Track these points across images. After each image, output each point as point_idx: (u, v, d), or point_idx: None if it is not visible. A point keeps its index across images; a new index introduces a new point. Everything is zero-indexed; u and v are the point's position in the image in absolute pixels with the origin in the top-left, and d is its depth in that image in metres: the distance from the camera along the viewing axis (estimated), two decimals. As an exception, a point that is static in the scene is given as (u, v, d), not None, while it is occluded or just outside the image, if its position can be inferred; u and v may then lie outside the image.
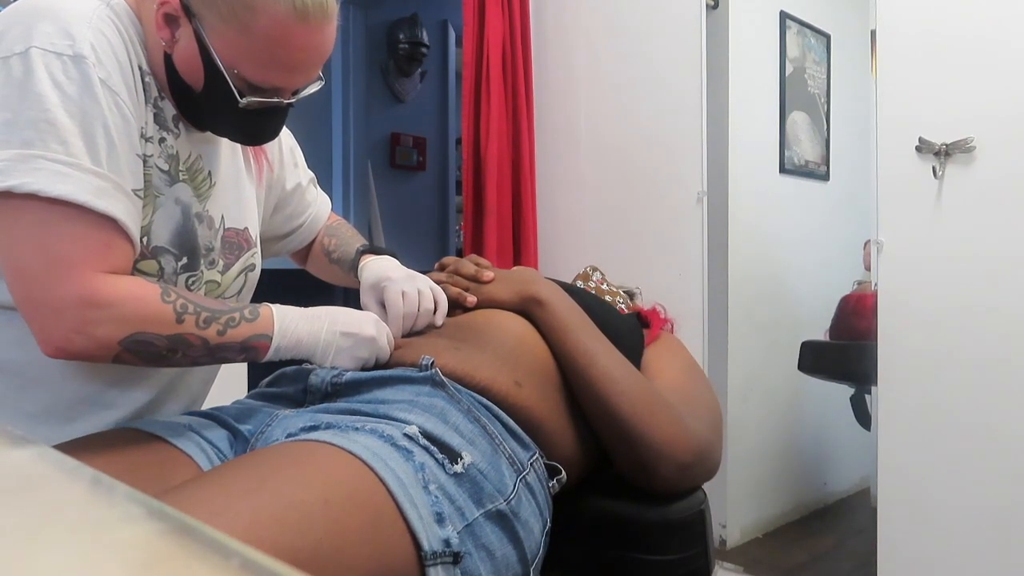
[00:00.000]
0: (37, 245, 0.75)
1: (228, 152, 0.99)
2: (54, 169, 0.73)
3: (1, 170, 0.72)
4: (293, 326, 0.87)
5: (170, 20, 0.82)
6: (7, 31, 0.77)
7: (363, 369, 0.91)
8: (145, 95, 0.84)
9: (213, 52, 0.81)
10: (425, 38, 3.94)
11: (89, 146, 0.76)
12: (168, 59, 0.84)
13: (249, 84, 0.84)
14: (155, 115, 0.86)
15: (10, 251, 0.76)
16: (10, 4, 0.81)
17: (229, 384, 1.56)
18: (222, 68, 0.82)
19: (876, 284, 1.86)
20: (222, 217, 0.96)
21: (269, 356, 0.86)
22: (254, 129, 0.92)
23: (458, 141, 3.82)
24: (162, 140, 0.87)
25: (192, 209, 0.90)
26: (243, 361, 0.87)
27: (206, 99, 0.85)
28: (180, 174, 0.89)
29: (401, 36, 3.89)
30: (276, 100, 0.87)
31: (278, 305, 0.88)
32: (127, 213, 0.79)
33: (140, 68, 0.84)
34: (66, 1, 0.79)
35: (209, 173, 0.94)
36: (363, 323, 0.91)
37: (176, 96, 0.88)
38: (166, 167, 0.87)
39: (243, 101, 0.84)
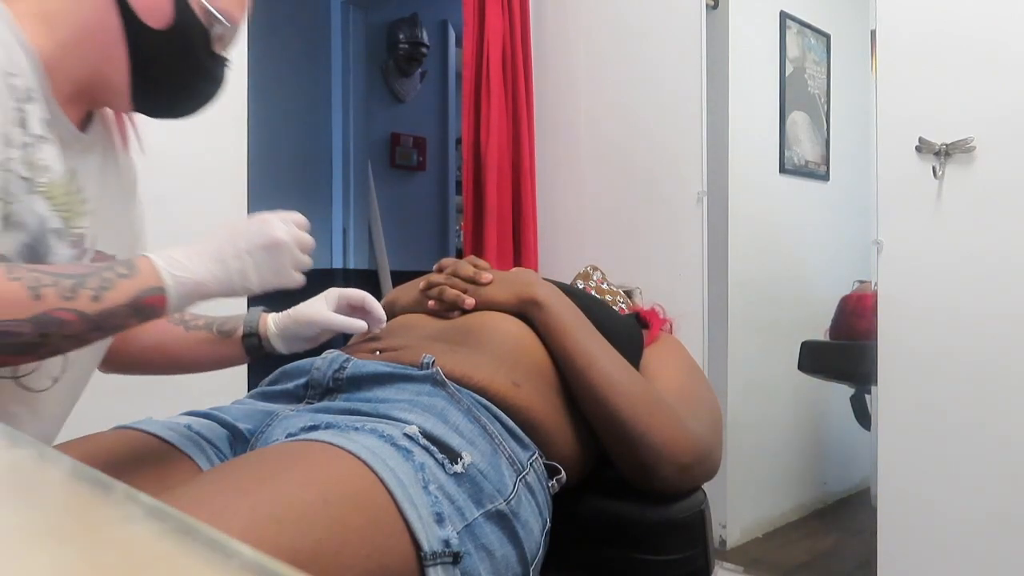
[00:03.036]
0: None
1: (111, 172, 0.91)
2: None
3: None
4: (185, 268, 0.74)
5: None
6: None
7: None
8: (11, 97, 0.75)
9: None
10: (425, 38, 3.94)
11: None
12: (123, 5, 0.80)
13: (208, 28, 0.84)
14: (20, 119, 0.76)
15: None
16: None
17: (229, 384, 1.57)
18: None
19: (876, 284, 1.86)
20: (93, 238, 0.84)
21: (171, 308, 0.74)
22: (203, 83, 0.88)
23: (458, 141, 3.82)
24: (26, 145, 0.76)
25: (48, 224, 0.78)
26: (140, 323, 0.74)
27: (172, 36, 0.81)
28: (40, 185, 0.78)
29: (401, 36, 3.89)
30: (232, 28, 0.86)
31: (156, 251, 0.76)
32: None
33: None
34: None
35: (79, 189, 0.83)
36: (267, 229, 0.79)
37: (131, 44, 0.81)
38: (27, 174, 0.76)
39: (215, 29, 0.83)
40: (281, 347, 1.02)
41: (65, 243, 0.80)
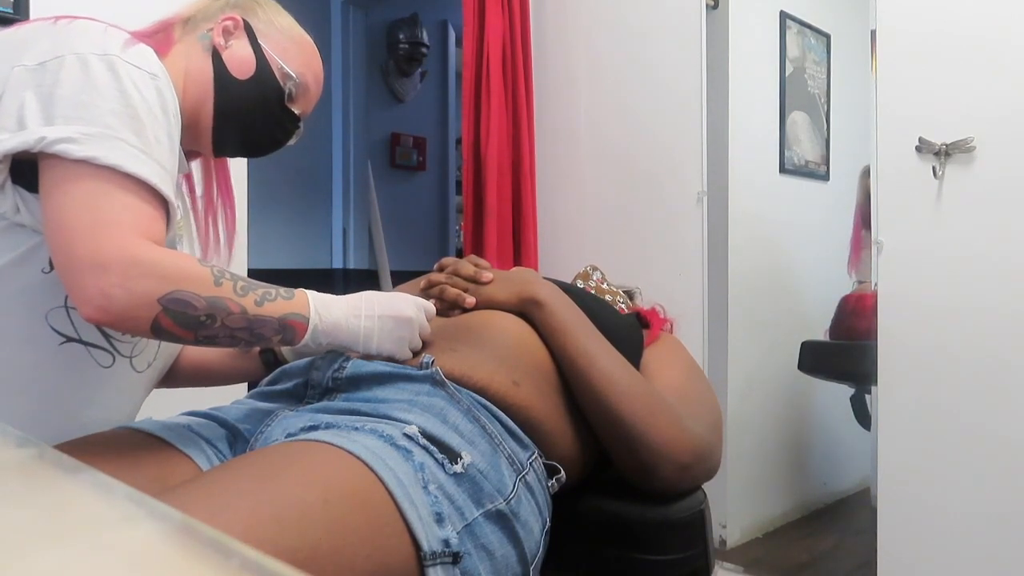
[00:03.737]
0: (91, 209, 0.76)
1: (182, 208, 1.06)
2: (132, 152, 0.78)
3: (80, 140, 0.76)
4: (328, 309, 0.85)
5: (227, 31, 0.98)
6: (79, 37, 0.81)
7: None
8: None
9: (265, 47, 0.99)
10: (425, 38, 3.94)
11: (158, 145, 0.82)
12: (217, 59, 0.96)
13: (283, 84, 0.99)
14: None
15: (64, 212, 0.76)
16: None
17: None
18: (273, 55, 0.99)
19: (876, 284, 1.86)
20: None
21: (306, 340, 0.84)
22: (274, 130, 1.02)
23: (458, 141, 3.82)
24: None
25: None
26: (280, 344, 0.84)
27: (252, 86, 0.97)
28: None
29: (401, 36, 3.89)
30: (303, 87, 1.01)
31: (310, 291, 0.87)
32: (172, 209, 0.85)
33: None
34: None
35: (178, 214, 0.98)
36: (400, 304, 0.90)
37: (218, 94, 0.96)
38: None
39: (287, 85, 0.99)
40: (292, 359, 1.08)
41: None
